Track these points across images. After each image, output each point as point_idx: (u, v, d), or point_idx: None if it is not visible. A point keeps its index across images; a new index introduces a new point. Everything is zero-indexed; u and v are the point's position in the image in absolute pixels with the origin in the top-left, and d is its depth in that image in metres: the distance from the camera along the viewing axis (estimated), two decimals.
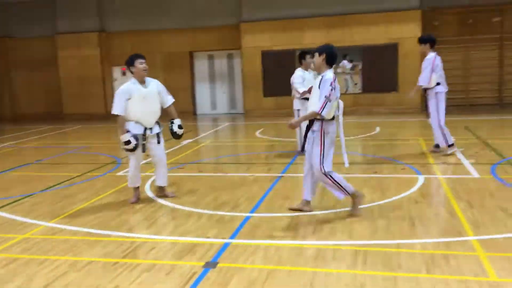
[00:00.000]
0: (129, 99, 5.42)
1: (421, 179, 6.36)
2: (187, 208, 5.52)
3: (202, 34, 15.97)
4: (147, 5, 16.14)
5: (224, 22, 15.66)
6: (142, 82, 5.52)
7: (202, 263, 3.99)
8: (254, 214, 5.20)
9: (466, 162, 7.22)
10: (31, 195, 6.48)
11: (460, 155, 7.73)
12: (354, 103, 14.60)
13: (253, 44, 15.01)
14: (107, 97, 16.87)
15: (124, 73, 16.91)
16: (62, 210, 5.69)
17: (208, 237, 4.55)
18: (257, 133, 11.59)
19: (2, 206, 5.95)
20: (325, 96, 4.67)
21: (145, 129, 5.55)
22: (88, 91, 16.77)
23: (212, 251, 4.23)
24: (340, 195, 5.00)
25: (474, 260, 3.79)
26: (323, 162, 4.80)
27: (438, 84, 7.63)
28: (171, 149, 9.54)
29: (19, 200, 6.24)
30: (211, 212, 5.35)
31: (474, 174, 6.51)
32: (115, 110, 5.44)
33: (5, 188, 6.98)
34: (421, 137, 9.97)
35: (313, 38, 14.73)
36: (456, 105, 14.38)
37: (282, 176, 6.95)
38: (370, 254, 4.02)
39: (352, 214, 4.96)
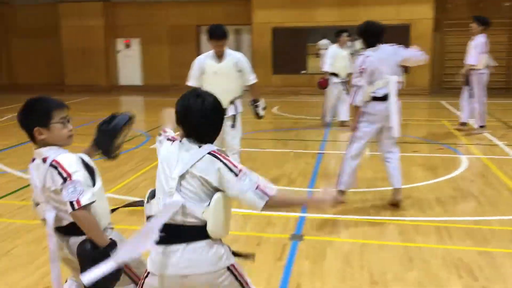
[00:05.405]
0: (203, 73, 5.08)
1: (464, 159, 6.46)
2: None
3: (209, 8, 15.68)
4: None
5: None
6: (219, 56, 5.09)
7: (287, 235, 4.02)
8: (314, 189, 5.22)
9: (501, 143, 7.35)
10: None
11: (490, 137, 7.86)
12: None
13: (264, 20, 14.83)
14: (110, 69, 16.54)
15: (127, 46, 16.54)
16: (116, 180, 5.62)
17: (281, 210, 4.55)
18: (274, 110, 11.48)
19: None
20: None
21: None
22: (91, 63, 16.36)
23: (291, 224, 4.25)
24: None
25: None
26: None
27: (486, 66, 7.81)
28: None
29: None
30: None
31: None
32: (188, 82, 5.12)
33: None
34: (442, 117, 10.08)
35: (324, 16, 14.63)
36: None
37: (323, 153, 6.98)
38: (452, 230, 4.09)
39: None
